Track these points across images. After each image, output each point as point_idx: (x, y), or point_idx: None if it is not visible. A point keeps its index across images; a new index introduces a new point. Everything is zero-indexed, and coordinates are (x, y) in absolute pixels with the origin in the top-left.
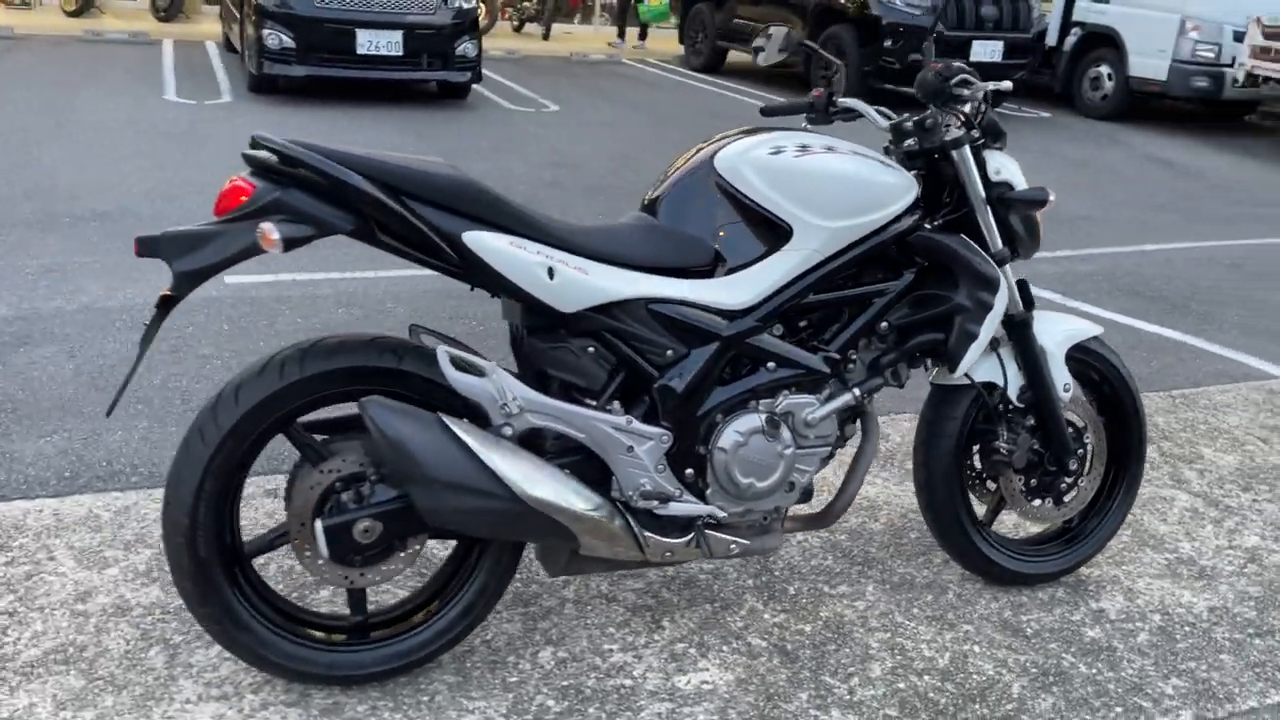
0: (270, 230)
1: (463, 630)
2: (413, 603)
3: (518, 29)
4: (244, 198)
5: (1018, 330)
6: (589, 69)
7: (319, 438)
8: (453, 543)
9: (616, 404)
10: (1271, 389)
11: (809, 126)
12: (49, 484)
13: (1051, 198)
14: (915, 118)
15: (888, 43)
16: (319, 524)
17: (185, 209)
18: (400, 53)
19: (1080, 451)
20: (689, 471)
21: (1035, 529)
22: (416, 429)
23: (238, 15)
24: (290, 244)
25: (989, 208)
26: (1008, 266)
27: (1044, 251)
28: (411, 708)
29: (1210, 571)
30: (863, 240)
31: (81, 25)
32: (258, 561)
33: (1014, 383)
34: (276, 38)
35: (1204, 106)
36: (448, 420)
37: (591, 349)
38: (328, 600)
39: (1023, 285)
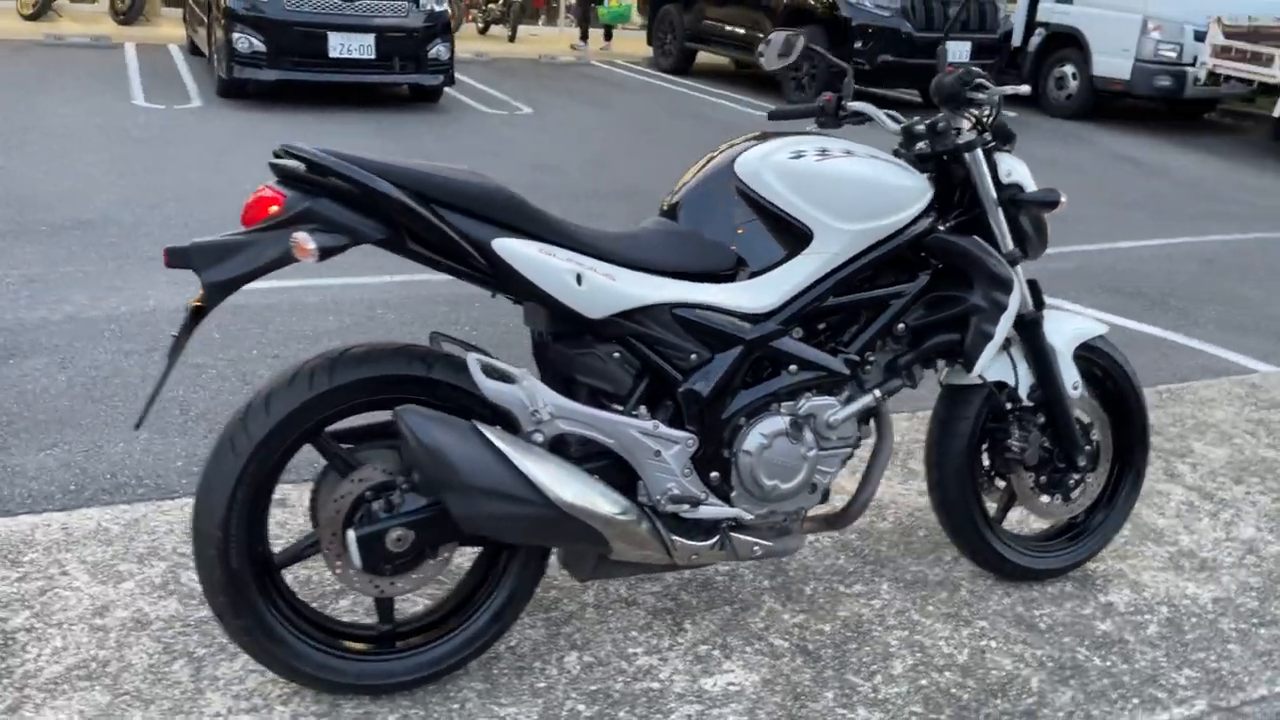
0: (306, 240)
1: (491, 637)
2: (441, 610)
3: (483, 31)
4: (274, 208)
5: (1029, 330)
6: (558, 71)
7: (345, 447)
8: (471, 551)
9: (643, 409)
10: (1254, 383)
11: (817, 130)
12: (54, 498)
13: (1063, 199)
14: (927, 121)
15: (858, 44)
16: (351, 534)
17: (166, 216)
18: (373, 56)
19: (1088, 448)
20: (714, 475)
21: (1042, 525)
22: (453, 437)
23: (204, 18)
24: (325, 253)
25: (1000, 209)
26: (1019, 267)
27: None
28: (442, 716)
29: (1211, 563)
30: (881, 243)
31: (41, 29)
32: None
33: (1025, 381)
34: (247, 41)
35: (1165, 105)
36: (482, 428)
37: (618, 354)
38: (348, 609)
39: (1033, 285)
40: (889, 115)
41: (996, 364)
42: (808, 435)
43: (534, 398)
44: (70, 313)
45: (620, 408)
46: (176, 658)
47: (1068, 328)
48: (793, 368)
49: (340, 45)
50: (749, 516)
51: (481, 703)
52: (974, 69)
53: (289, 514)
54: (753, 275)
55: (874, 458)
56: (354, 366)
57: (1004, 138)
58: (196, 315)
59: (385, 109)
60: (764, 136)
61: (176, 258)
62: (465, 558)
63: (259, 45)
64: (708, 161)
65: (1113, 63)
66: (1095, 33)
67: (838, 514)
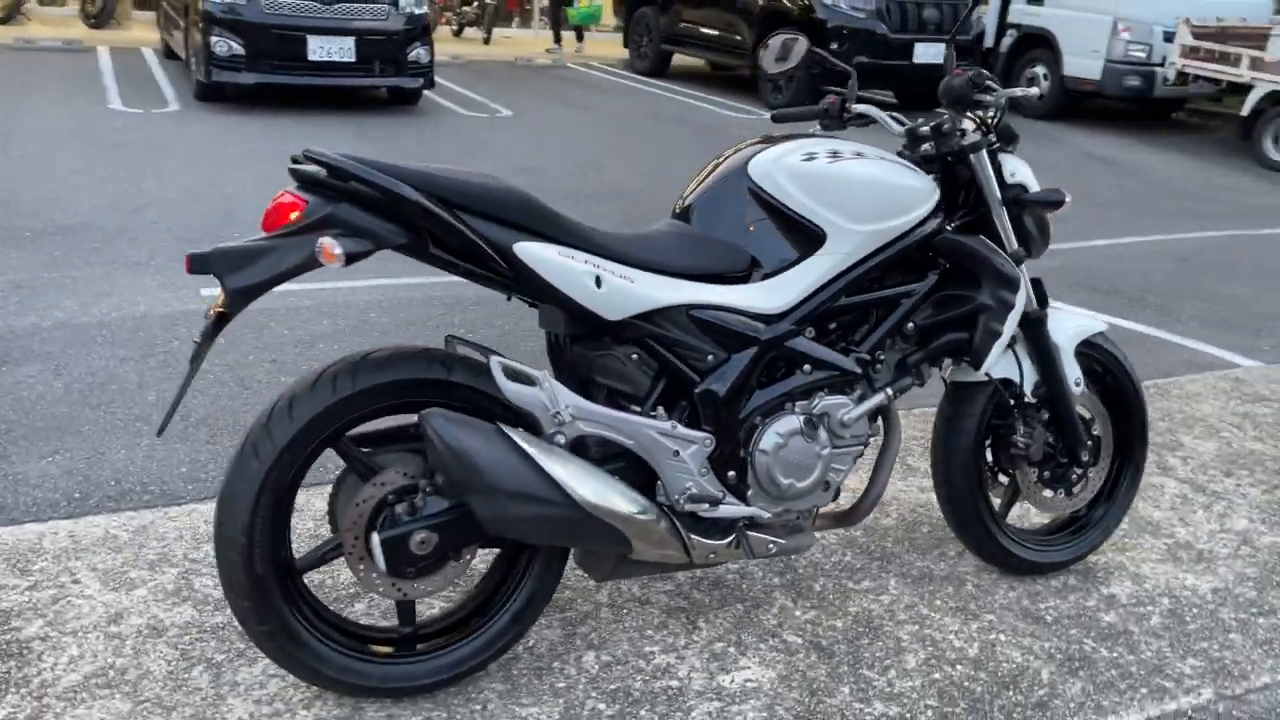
0: (332, 245)
1: (512, 638)
2: (462, 612)
3: (457, 33)
4: (295, 213)
5: (1033, 327)
6: (535, 73)
7: (365, 450)
8: (488, 552)
9: (660, 409)
10: (1238, 377)
11: (821, 132)
12: (59, 505)
13: (1068, 199)
14: (932, 123)
15: (833, 45)
16: (375, 537)
17: (149, 220)
18: (352, 59)
19: (1090, 443)
20: (731, 474)
21: (1044, 519)
22: (479, 440)
23: (180, 22)
24: (351, 258)
25: (1004, 209)
26: (1024, 265)
27: None
28: (465, 718)
29: (1208, 555)
30: (892, 243)
31: (11, 33)
32: None
33: (1029, 378)
34: (225, 45)
35: (1134, 105)
36: (508, 430)
37: (635, 356)
38: (365, 612)
39: (1036, 283)
40: (893, 117)
41: (1002, 361)
42: (822, 434)
43: (555, 400)
44: (61, 319)
45: (638, 409)
46: (195, 664)
47: (1069, 325)
48: (806, 367)
49: (320, 48)
50: (765, 515)
51: (503, 703)
52: (983, 71)
53: (295, 517)
54: (766, 276)
55: (882, 455)
56: (376, 371)
57: (1007, 139)
58: (219, 321)
59: (365, 112)
60: (770, 139)
61: (198, 263)
62: (482, 560)
63: (238, 48)
64: (718, 165)
65: (1083, 63)
66: (1066, 34)
67: (847, 511)
